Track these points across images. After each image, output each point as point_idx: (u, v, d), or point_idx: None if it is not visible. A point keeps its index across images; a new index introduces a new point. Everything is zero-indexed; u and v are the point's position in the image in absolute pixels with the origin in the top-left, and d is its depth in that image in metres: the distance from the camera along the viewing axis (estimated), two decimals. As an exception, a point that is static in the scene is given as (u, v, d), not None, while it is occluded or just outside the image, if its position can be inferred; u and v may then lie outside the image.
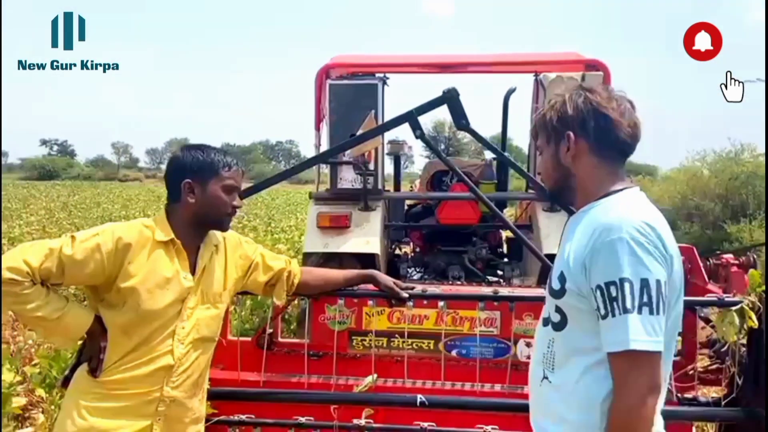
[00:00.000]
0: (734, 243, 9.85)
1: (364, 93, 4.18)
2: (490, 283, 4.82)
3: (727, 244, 9.98)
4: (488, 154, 5.87)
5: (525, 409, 2.23)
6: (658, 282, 1.23)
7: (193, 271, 1.86)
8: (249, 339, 3.23)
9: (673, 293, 1.31)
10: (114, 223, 1.83)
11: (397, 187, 5.94)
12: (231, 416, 2.39)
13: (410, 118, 2.78)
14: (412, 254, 5.46)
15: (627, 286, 1.22)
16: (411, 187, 8.39)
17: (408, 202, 5.71)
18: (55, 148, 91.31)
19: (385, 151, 4.84)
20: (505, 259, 5.21)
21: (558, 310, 1.38)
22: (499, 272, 5.02)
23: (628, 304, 1.21)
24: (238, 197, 1.90)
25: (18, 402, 3.36)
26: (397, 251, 5.62)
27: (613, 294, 1.23)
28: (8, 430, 3.05)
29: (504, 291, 2.35)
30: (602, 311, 1.26)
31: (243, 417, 2.39)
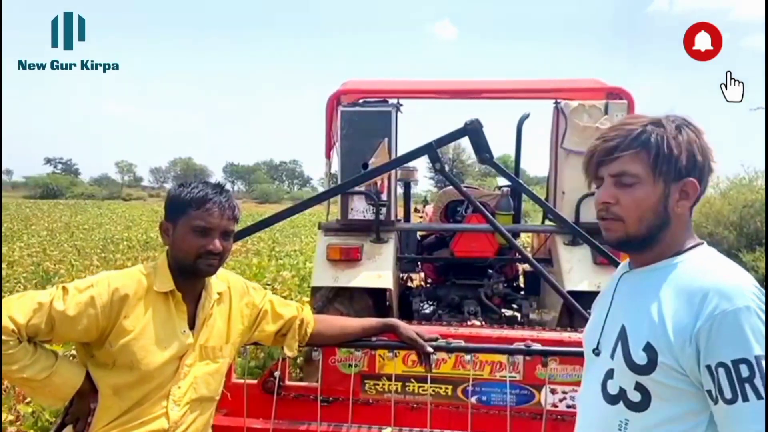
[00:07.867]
0: (750, 272, 9.63)
1: (378, 120, 4.02)
2: (508, 319, 4.61)
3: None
4: (501, 182, 5.67)
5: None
6: None
7: (192, 324, 1.68)
8: (255, 382, 3.04)
9: None
10: (110, 272, 1.65)
11: (407, 214, 5.78)
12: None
13: (430, 150, 2.63)
14: (425, 287, 5.26)
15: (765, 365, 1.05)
16: (416, 208, 8.17)
17: (421, 232, 5.51)
18: (60, 166, 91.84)
19: (396, 177, 4.67)
20: (522, 293, 5.00)
21: (639, 387, 1.16)
22: (516, 307, 4.81)
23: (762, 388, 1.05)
24: (219, 240, 1.64)
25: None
26: (409, 283, 5.41)
27: (744, 374, 1.04)
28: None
29: (536, 344, 2.16)
30: (728, 394, 1.05)
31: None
